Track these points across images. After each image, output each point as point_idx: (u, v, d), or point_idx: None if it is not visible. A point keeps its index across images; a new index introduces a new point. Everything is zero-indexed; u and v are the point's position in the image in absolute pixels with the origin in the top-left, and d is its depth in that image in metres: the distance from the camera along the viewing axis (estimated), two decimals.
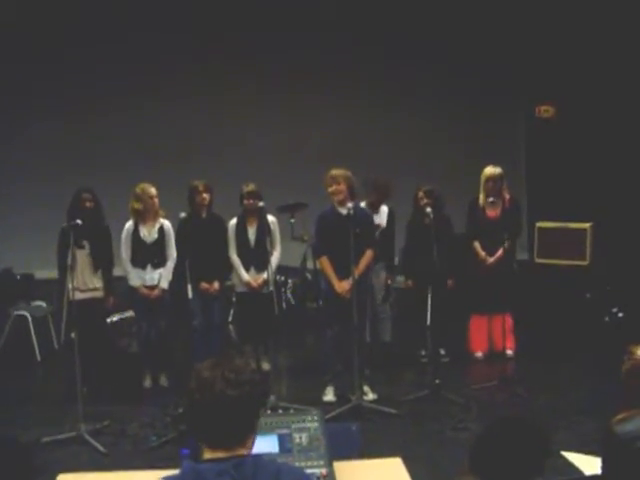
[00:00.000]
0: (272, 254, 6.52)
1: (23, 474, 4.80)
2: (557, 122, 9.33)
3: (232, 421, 2.10)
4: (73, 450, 5.29)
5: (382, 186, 7.14)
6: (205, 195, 6.67)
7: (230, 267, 6.80)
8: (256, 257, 6.63)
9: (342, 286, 6.09)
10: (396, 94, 9.87)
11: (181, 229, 6.56)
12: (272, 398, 5.77)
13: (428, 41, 9.59)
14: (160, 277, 6.60)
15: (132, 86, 9.50)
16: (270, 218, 6.73)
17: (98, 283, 6.71)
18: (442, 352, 7.18)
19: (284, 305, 8.56)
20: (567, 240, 7.84)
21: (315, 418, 3.12)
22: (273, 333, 6.47)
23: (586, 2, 8.65)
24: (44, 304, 7.82)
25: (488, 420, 3.09)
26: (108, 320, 6.88)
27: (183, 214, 6.46)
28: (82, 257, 6.54)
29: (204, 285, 6.64)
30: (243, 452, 2.12)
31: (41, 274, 8.18)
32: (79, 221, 5.89)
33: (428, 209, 6.54)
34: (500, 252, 6.97)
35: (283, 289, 8.67)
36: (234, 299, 7.62)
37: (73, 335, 5.72)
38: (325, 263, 6.22)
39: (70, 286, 5.83)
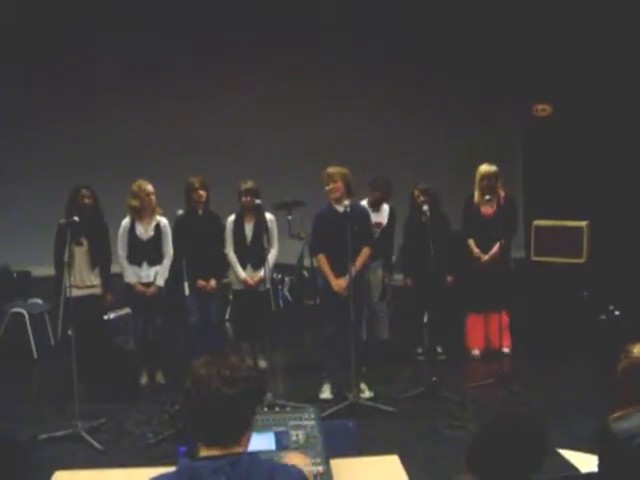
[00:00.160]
0: (269, 252, 6.52)
1: (20, 471, 4.80)
2: (554, 121, 9.33)
3: (228, 419, 2.10)
4: (70, 447, 5.29)
5: (383, 185, 7.15)
6: (201, 192, 6.65)
7: (227, 264, 6.80)
8: (252, 255, 6.63)
9: (339, 284, 6.09)
10: (394, 93, 9.89)
11: (178, 226, 6.55)
12: (269, 396, 5.78)
13: (427, 41, 9.61)
14: (156, 274, 6.60)
15: (130, 84, 9.50)
16: (268, 216, 6.72)
17: (96, 280, 6.70)
18: (439, 350, 7.19)
19: (281, 303, 8.55)
20: (564, 238, 7.84)
21: (312, 416, 3.12)
22: (270, 331, 6.47)
23: (583, 1, 8.66)
24: (41, 301, 7.80)
25: (485, 418, 3.10)
26: (105, 317, 6.88)
27: (180, 211, 6.45)
28: (80, 254, 6.53)
29: (201, 283, 6.62)
30: (239, 450, 2.12)
31: (38, 271, 8.17)
32: (76, 218, 5.89)
33: (425, 207, 6.54)
34: (494, 249, 6.99)
35: (280, 287, 8.66)
36: (231, 297, 7.62)
37: (70, 332, 5.71)
38: (322, 261, 6.22)
39: (67, 283, 5.83)
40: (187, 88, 9.66)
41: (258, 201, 6.46)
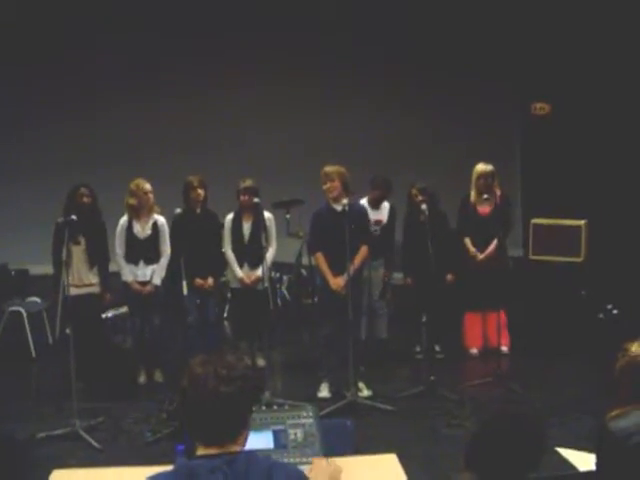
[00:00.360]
0: (267, 250, 6.52)
1: (18, 469, 4.80)
2: (552, 119, 9.32)
3: (225, 417, 2.10)
4: (68, 446, 5.29)
5: (383, 183, 7.15)
6: (200, 191, 6.65)
7: (225, 263, 6.79)
8: (250, 253, 6.63)
9: (337, 282, 6.09)
10: (394, 93, 9.88)
11: (176, 225, 6.54)
12: (267, 394, 5.77)
13: (427, 41, 9.60)
14: (153, 273, 6.59)
15: (130, 84, 9.50)
16: (266, 214, 6.71)
17: (94, 279, 6.69)
18: (437, 349, 7.18)
19: (279, 301, 8.55)
20: (562, 237, 7.84)
21: (310, 414, 3.12)
22: (268, 329, 6.46)
23: (581, 1, 8.66)
24: (39, 300, 7.80)
25: (483, 416, 3.09)
26: (103, 316, 6.88)
27: (178, 210, 6.44)
28: (78, 253, 6.53)
29: (199, 281, 6.62)
30: (236, 449, 2.12)
31: (36, 270, 8.16)
32: (74, 216, 5.88)
33: (423, 206, 6.54)
34: (490, 248, 7.00)
35: (278, 285, 8.66)
36: (229, 295, 7.61)
37: (68, 331, 5.71)
38: (320, 259, 6.22)
39: (65, 282, 5.82)
40: (187, 88, 9.65)
41: (256, 199, 6.45)
